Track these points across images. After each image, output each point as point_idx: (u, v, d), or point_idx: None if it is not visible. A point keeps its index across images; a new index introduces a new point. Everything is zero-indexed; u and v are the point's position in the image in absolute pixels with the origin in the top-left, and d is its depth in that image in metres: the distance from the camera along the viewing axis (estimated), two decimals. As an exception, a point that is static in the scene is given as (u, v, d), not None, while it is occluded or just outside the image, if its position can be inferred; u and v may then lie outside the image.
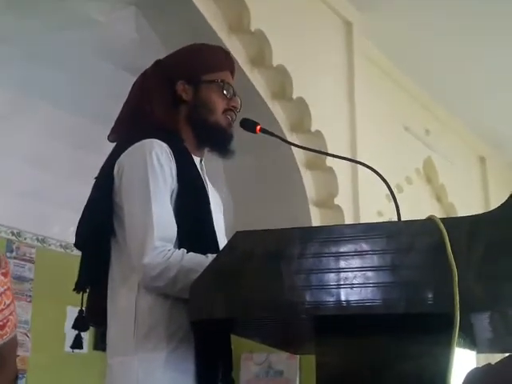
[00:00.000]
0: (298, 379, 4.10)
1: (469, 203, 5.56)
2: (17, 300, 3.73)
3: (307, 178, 4.05)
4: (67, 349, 3.60)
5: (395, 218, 1.66)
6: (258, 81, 3.90)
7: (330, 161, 4.07)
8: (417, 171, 5.14)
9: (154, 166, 1.63)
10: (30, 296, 3.65)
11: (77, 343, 1.76)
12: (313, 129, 4.02)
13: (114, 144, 1.82)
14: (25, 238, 3.74)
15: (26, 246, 3.75)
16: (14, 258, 3.76)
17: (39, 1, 3.13)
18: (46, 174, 3.79)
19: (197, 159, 1.81)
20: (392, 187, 5.08)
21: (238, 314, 1.36)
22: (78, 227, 1.74)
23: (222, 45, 3.69)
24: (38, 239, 3.86)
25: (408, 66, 4.90)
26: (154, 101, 1.77)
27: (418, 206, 4.80)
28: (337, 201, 4.07)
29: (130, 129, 1.78)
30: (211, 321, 1.40)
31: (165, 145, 1.68)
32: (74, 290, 1.73)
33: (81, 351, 1.80)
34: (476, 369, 1.22)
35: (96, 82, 3.72)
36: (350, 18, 4.48)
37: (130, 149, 1.68)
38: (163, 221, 1.60)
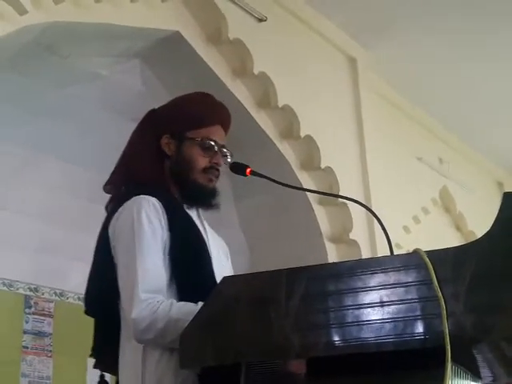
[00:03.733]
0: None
1: (490, 230, 5.47)
2: (37, 356, 3.79)
3: (320, 215, 4.03)
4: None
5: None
6: (265, 122, 3.93)
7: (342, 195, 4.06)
8: (433, 201, 5.08)
9: (141, 221, 1.66)
10: (50, 351, 3.65)
11: None
12: (323, 165, 4.02)
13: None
14: (42, 293, 3.76)
15: (44, 301, 3.77)
16: (33, 313, 3.78)
17: (42, 60, 3.19)
18: (59, 227, 3.83)
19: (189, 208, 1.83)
20: (409, 219, 4.99)
21: (228, 360, 1.34)
22: (85, 295, 1.75)
23: (227, 90, 3.77)
24: (55, 293, 3.88)
25: (416, 97, 4.91)
26: (141, 157, 1.82)
27: (437, 237, 4.75)
28: (352, 235, 4.05)
29: (121, 183, 1.83)
30: (219, 370, 1.38)
31: (153, 199, 1.70)
32: (91, 356, 1.75)
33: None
34: None
35: (105, 135, 3.77)
36: (354, 54, 4.51)
37: (120, 209, 1.72)
38: (148, 273, 1.62)
